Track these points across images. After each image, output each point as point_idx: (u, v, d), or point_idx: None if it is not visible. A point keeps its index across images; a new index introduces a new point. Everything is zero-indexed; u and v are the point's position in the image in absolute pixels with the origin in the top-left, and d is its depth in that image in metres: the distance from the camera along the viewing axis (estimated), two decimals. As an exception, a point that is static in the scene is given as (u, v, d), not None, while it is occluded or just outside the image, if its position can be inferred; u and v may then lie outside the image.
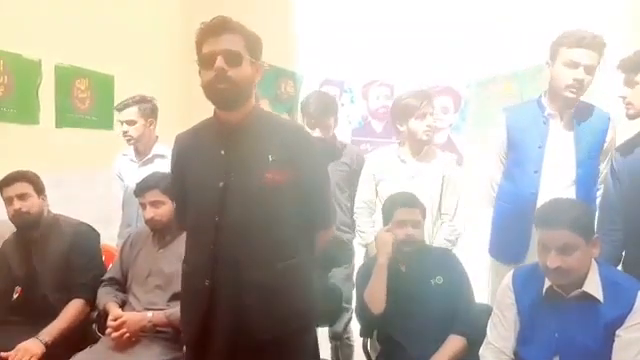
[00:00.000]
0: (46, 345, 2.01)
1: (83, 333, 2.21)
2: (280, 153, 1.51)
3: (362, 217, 2.52)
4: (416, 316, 2.00)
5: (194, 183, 1.59)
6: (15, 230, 2.31)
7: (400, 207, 2.08)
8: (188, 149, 1.63)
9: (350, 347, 2.70)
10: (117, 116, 2.78)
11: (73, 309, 2.17)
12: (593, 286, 1.59)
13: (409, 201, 2.11)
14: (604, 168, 2.15)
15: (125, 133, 2.75)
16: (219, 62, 1.43)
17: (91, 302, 2.21)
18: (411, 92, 2.44)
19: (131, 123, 2.73)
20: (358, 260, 2.59)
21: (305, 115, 2.56)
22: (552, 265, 1.54)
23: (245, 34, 1.50)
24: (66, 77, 3.16)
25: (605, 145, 2.13)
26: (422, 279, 2.06)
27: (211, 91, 1.47)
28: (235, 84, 1.45)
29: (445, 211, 2.41)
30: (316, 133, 2.50)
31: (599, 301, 1.58)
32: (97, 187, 3.10)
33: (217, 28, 1.48)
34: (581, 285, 1.59)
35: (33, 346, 1.98)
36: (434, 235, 2.39)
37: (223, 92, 1.46)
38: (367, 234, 2.49)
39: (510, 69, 3.78)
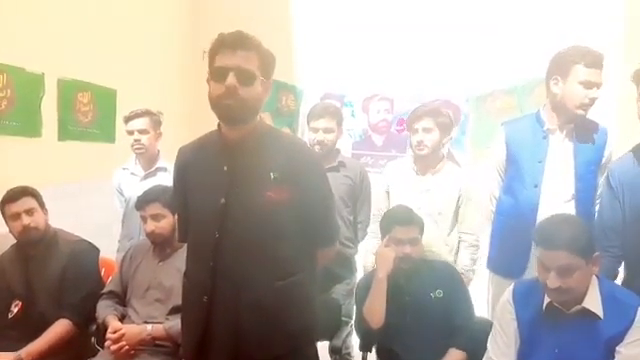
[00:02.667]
0: None
1: (82, 347, 2.20)
2: (283, 170, 1.49)
3: (375, 240, 2.51)
4: (416, 329, 2.00)
5: (196, 198, 1.58)
6: (13, 243, 2.29)
7: (397, 225, 2.07)
8: (191, 163, 1.62)
9: (350, 362, 2.69)
10: (126, 126, 2.76)
11: (56, 330, 2.13)
12: (593, 302, 1.59)
13: (406, 219, 2.09)
14: (601, 183, 2.16)
15: (137, 142, 2.72)
16: (231, 79, 1.41)
17: (78, 323, 2.19)
18: (415, 108, 2.49)
19: (143, 132, 2.73)
20: (360, 275, 2.58)
21: (310, 119, 2.58)
22: (552, 286, 1.54)
23: (261, 53, 1.48)
24: (69, 90, 3.18)
25: (603, 160, 2.14)
26: (422, 292, 2.06)
27: (218, 106, 1.45)
28: (243, 102, 1.43)
29: (467, 230, 2.40)
30: (319, 136, 2.51)
31: (599, 317, 1.58)
32: (99, 200, 3.10)
33: (234, 42, 1.45)
34: (581, 301, 1.59)
35: None
36: (446, 250, 2.38)
37: (229, 108, 1.44)
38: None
39: (509, 83, 3.81)
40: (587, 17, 3.46)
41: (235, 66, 1.43)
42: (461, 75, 3.92)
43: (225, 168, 1.51)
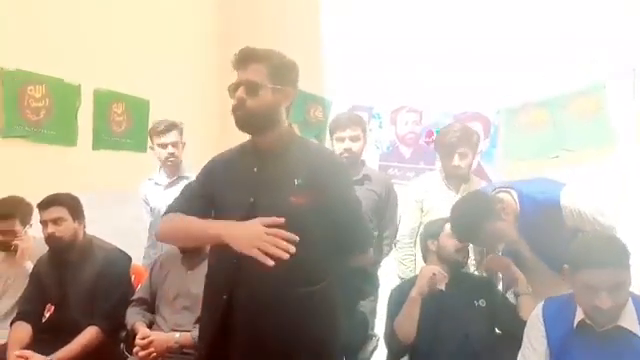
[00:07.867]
0: None
1: (111, 353, 2.24)
2: (307, 177, 1.52)
3: (405, 249, 2.52)
4: (457, 337, 1.98)
5: (226, 197, 1.61)
6: (49, 249, 2.35)
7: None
8: (222, 166, 1.67)
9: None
10: (158, 139, 2.82)
11: (86, 337, 2.17)
12: (629, 320, 1.53)
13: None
14: None
15: (172, 155, 2.81)
16: (240, 92, 1.53)
17: (108, 331, 2.22)
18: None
19: (176, 145, 2.83)
20: (383, 291, 2.53)
21: (334, 129, 2.54)
22: (605, 306, 1.46)
23: (271, 62, 1.55)
24: (104, 101, 3.27)
25: None
26: (465, 301, 2.06)
27: (233, 117, 1.56)
28: (250, 111, 1.52)
29: None
30: (346, 144, 2.48)
31: (635, 335, 1.52)
32: (130, 207, 3.16)
33: (243, 59, 1.55)
34: (616, 318, 1.54)
35: None
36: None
37: (239, 118, 1.54)
38: (408, 268, 2.47)
39: (541, 96, 3.73)
40: (620, 29, 3.38)
41: (244, 80, 1.53)
42: (491, 87, 3.86)
43: (255, 169, 1.57)
